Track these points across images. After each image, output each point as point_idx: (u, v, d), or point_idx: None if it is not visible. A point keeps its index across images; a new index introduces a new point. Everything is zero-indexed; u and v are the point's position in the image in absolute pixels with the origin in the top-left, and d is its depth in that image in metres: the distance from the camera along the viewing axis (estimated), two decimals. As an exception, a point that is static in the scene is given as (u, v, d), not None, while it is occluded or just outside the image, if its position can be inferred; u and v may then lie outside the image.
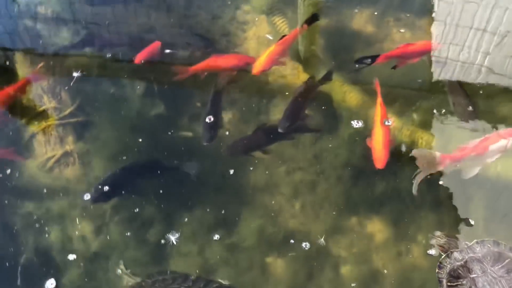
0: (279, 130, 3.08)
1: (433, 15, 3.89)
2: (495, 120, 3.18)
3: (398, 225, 2.97)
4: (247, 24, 3.81)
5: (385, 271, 2.84)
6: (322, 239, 2.87)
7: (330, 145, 3.19)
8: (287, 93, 3.37)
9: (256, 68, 3.23)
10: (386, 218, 2.99)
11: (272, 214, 3.01)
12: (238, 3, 3.91)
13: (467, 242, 2.50)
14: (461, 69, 3.57)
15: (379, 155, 2.92)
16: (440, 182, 2.99)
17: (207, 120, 3.11)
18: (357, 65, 3.32)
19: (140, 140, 3.14)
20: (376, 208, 3.02)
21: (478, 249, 2.44)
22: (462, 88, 3.29)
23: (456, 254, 2.45)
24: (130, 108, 3.26)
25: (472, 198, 2.95)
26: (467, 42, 3.74)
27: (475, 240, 2.49)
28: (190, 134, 3.14)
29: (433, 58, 3.56)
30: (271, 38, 3.37)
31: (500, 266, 2.33)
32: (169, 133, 3.17)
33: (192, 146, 3.16)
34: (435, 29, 3.82)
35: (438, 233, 2.62)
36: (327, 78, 3.33)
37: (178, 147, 3.15)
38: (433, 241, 2.61)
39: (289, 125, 3.10)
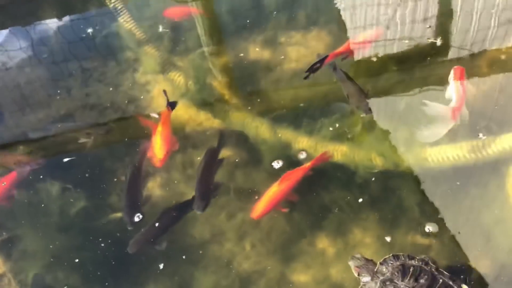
0: (198, 212, 3.02)
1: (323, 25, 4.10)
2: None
3: (344, 234, 3.05)
4: (150, 84, 3.84)
5: (346, 283, 2.90)
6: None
7: (259, 178, 3.24)
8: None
9: (158, 160, 3.16)
10: (332, 231, 3.06)
11: (225, 263, 3.01)
12: (133, 67, 3.94)
13: (374, 265, 2.59)
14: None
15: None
16: (372, 180, 3.12)
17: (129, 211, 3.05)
18: (308, 73, 3.48)
19: (71, 239, 3.06)
20: (319, 224, 3.08)
21: (384, 269, 2.54)
22: (352, 80, 3.45)
23: (370, 284, 2.52)
24: (51, 211, 3.18)
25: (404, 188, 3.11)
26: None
27: (378, 262, 2.59)
28: (119, 214, 3.08)
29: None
30: (156, 116, 3.47)
31: (408, 278, 2.44)
32: (101, 222, 3.12)
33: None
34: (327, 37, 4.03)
35: (358, 255, 2.70)
36: (222, 141, 3.32)
37: (114, 232, 3.09)
38: (350, 263, 2.67)
39: (206, 204, 3.05)
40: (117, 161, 3.38)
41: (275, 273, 2.96)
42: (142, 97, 3.76)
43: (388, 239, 2.93)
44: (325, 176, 3.17)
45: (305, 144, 3.23)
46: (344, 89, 3.40)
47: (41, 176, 3.31)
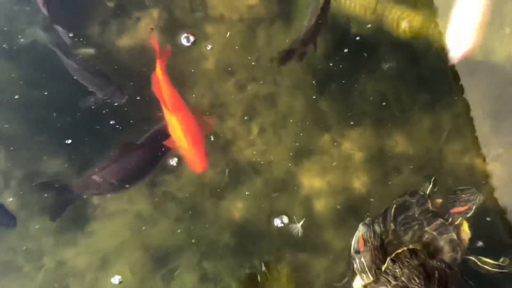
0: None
1: None
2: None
3: (383, 138, 2.35)
4: None
5: (371, 199, 2.25)
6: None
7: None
8: None
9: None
10: (368, 131, 2.33)
11: (221, 145, 2.37)
12: None
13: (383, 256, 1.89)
14: None
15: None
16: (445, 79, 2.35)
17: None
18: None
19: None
20: (353, 118, 2.36)
21: (397, 270, 1.86)
22: None
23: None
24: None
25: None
26: None
27: (389, 258, 1.88)
28: (91, 51, 2.32)
29: None
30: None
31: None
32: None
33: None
34: None
35: (376, 227, 1.98)
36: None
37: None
38: (361, 227, 1.94)
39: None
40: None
41: (280, 170, 2.39)
42: None
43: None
44: (377, 56, 2.36)
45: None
46: None
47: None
